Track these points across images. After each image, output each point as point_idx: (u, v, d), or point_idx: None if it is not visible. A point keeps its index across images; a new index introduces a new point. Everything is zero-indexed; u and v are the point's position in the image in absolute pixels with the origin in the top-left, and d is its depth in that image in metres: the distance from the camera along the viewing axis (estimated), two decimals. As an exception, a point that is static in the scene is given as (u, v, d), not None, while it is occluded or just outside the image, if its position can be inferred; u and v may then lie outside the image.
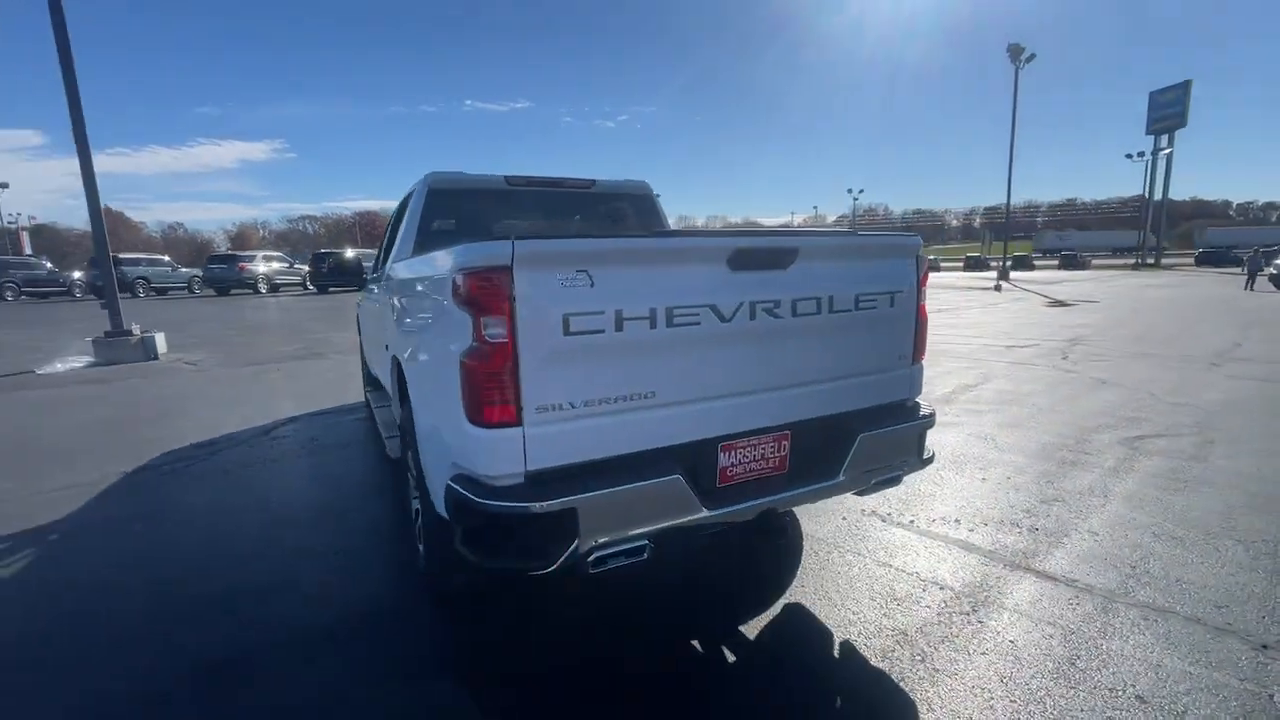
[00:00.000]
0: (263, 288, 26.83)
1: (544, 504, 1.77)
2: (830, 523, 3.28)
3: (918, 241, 2.51)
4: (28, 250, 46.03)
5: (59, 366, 8.98)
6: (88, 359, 9.40)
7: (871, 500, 3.57)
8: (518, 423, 1.78)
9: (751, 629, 2.42)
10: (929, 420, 2.55)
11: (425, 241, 3.51)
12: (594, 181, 4.02)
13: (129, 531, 3.40)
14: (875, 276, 2.39)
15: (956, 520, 3.29)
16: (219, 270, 26.55)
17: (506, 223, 3.74)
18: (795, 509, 3.34)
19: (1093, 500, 3.50)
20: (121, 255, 25.89)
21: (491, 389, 1.75)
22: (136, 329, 9.78)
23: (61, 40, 8.64)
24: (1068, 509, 3.39)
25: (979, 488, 3.75)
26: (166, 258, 29.98)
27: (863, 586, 2.68)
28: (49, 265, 28.39)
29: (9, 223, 61.05)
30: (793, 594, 2.65)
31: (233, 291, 26.60)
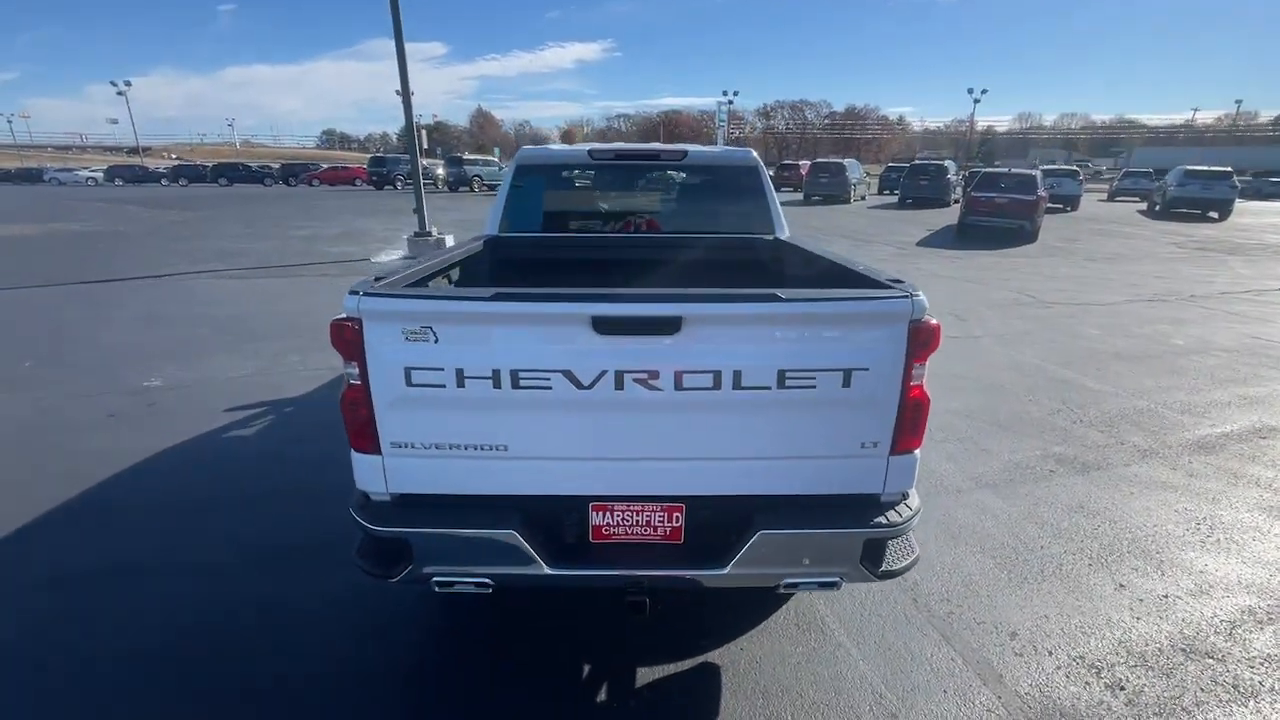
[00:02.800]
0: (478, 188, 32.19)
1: (379, 529, 2.02)
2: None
3: (905, 306, 1.88)
4: (426, 145, 59.74)
5: (383, 257, 12.07)
6: (402, 252, 12.40)
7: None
8: (378, 452, 2.01)
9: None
10: (887, 529, 2.02)
11: (511, 215, 3.78)
12: (686, 152, 3.71)
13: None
14: (819, 351, 1.89)
15: (1019, 632, 2.58)
16: (455, 171, 32.51)
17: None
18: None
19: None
20: (464, 156, 32.43)
21: (354, 421, 1.99)
22: (434, 230, 12.45)
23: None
24: None
25: (1105, 596, 2.81)
26: (495, 157, 36.36)
27: None
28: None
29: (417, 120, 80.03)
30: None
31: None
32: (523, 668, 2.44)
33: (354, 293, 1.86)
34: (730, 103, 59.34)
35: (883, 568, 2.08)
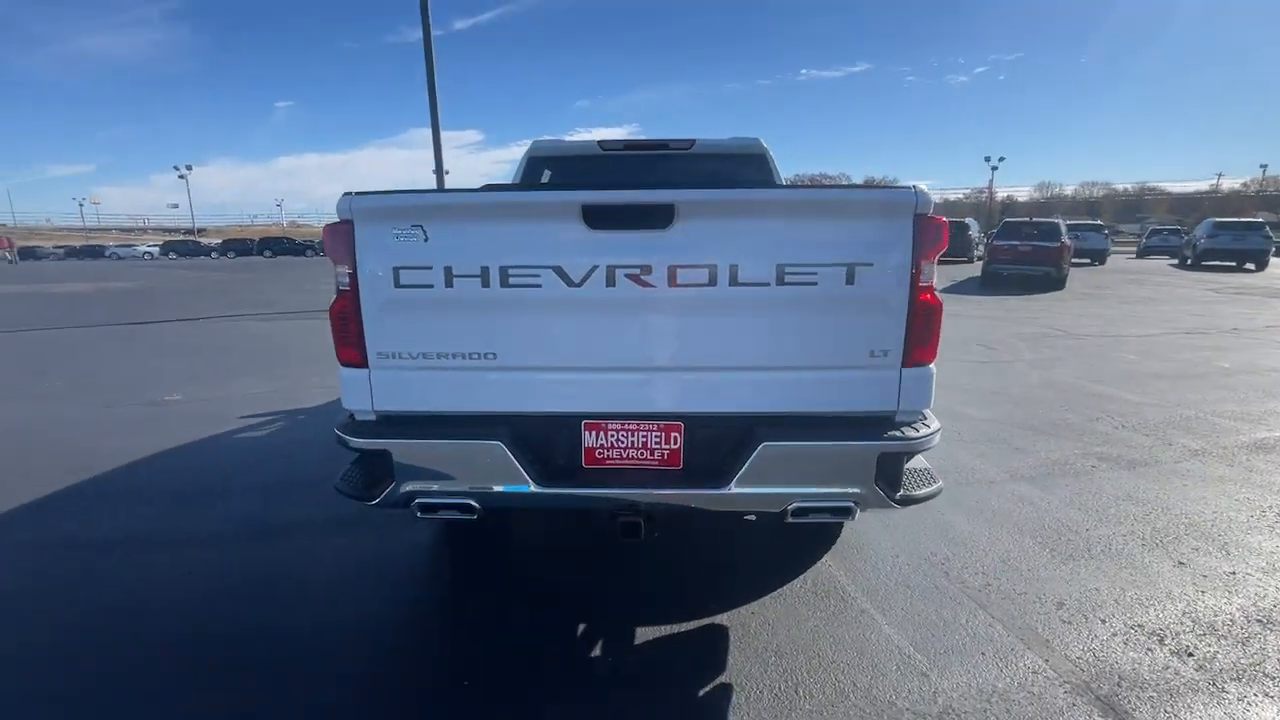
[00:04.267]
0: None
1: (361, 440, 1.92)
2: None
3: (909, 196, 1.80)
4: None
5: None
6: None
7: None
8: (364, 364, 1.95)
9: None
10: (903, 442, 1.85)
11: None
12: (694, 141, 3.77)
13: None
14: (820, 243, 1.81)
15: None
16: None
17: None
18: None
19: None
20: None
21: (342, 331, 1.94)
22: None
23: (429, 72, 11.52)
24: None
25: None
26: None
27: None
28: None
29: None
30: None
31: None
32: (521, 632, 2.25)
33: (346, 194, 1.86)
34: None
35: (901, 491, 1.90)
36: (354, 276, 1.88)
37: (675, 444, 1.96)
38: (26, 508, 3.22)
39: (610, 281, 1.81)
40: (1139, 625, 2.20)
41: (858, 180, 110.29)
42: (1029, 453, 3.93)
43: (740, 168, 3.78)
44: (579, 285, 1.82)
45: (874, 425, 1.89)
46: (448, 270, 1.84)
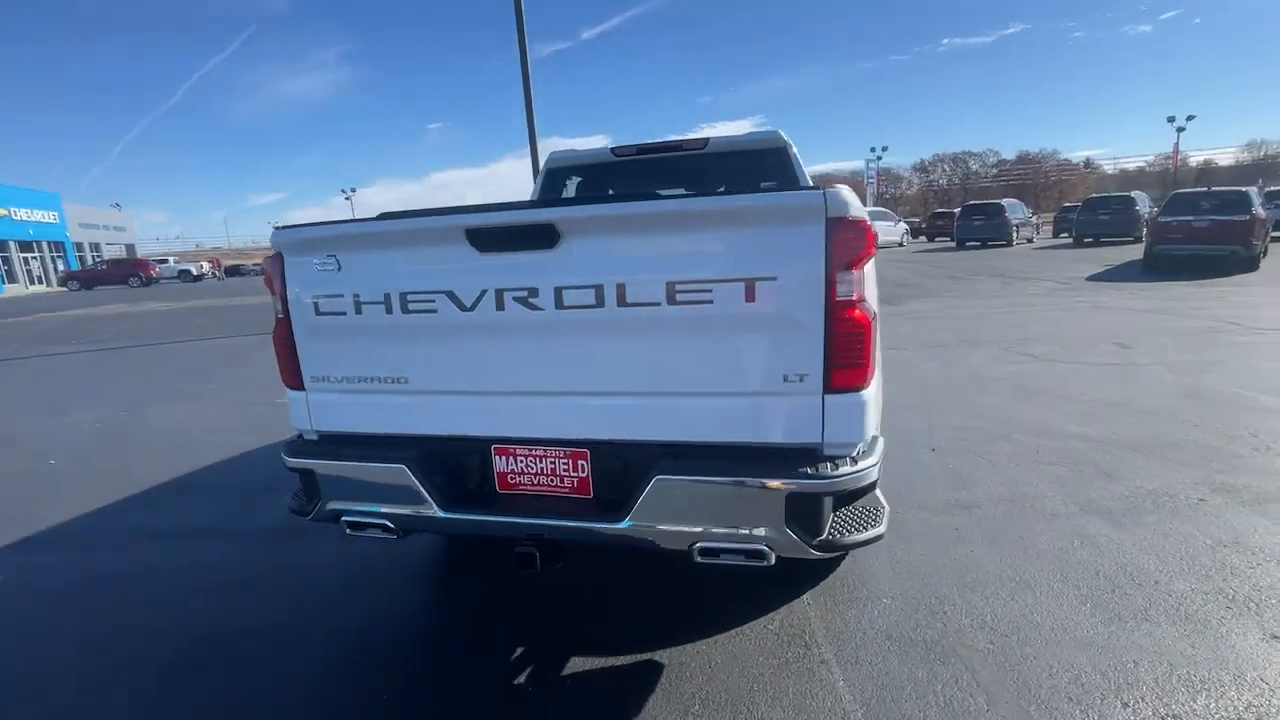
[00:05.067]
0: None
1: (293, 460, 2.03)
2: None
3: (817, 199, 1.54)
4: None
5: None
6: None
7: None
8: (302, 387, 2.07)
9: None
10: (817, 481, 1.60)
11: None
12: (707, 140, 3.58)
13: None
14: (715, 257, 1.62)
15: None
16: None
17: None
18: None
19: None
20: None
21: (281, 355, 2.08)
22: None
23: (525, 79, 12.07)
24: None
25: None
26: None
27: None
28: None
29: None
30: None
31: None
32: (447, 645, 2.27)
33: (276, 228, 1.98)
34: (879, 159, 57.49)
35: (822, 536, 1.66)
36: (285, 305, 2.00)
37: (584, 472, 1.86)
38: (134, 496, 3.82)
39: (500, 305, 1.76)
40: (1176, 715, 1.74)
41: (1008, 158, 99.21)
42: (1119, 479, 3.28)
43: (756, 164, 3.53)
44: (471, 310, 1.79)
45: (789, 460, 1.67)
46: (356, 298, 1.89)
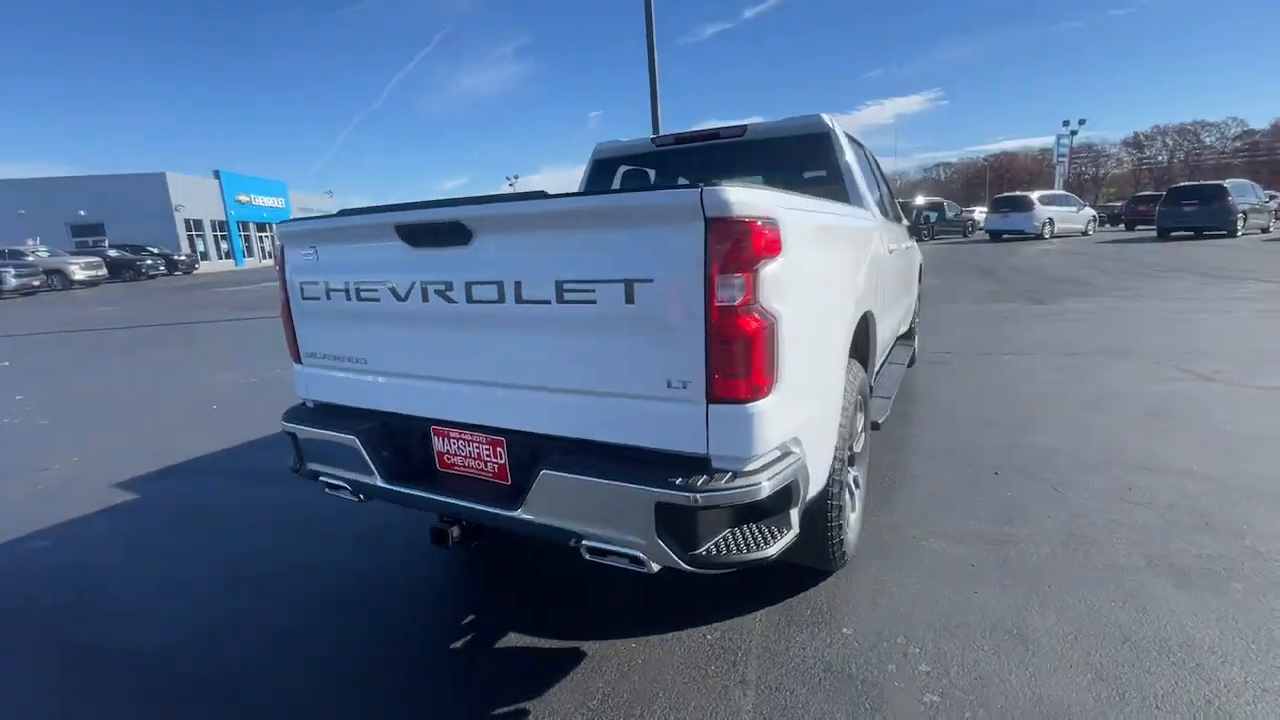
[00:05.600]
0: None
1: (283, 423, 2.33)
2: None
3: (693, 199, 1.44)
4: None
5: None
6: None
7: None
8: (300, 360, 2.37)
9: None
10: (685, 493, 1.51)
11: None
12: (746, 127, 3.40)
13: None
14: (600, 256, 1.59)
15: None
16: None
17: None
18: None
19: None
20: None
21: (286, 334, 2.39)
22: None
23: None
24: None
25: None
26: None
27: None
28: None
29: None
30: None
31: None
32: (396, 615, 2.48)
33: (279, 223, 2.27)
34: (1073, 133, 49.61)
35: (695, 550, 1.58)
36: (285, 289, 2.30)
37: (501, 459, 1.94)
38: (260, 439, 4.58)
39: (425, 297, 1.89)
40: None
41: (1258, 128, 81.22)
42: (1219, 533, 2.66)
43: (796, 151, 3.31)
44: (405, 300, 1.94)
45: (673, 468, 1.60)
46: (327, 285, 2.13)
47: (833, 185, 3.21)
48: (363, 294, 2.04)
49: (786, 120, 3.36)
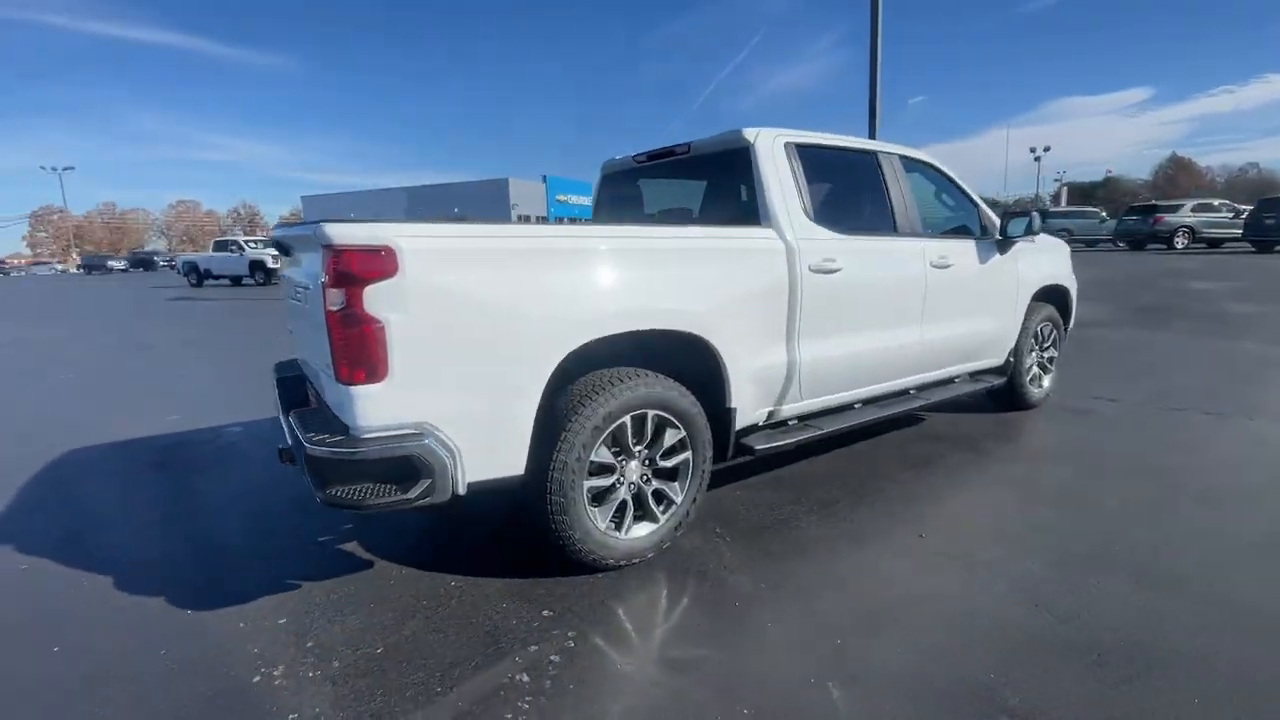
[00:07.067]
0: (1180, 242, 23.12)
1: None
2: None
3: (314, 231, 2.02)
4: (1064, 203, 47.63)
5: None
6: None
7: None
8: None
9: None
10: (313, 447, 2.10)
11: (598, 221, 4.42)
12: (690, 145, 3.46)
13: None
14: (311, 271, 2.32)
15: None
16: (1131, 223, 24.62)
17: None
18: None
19: None
20: (1051, 209, 28.16)
21: (296, 314, 3.58)
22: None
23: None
24: None
25: None
26: (1101, 210, 29.69)
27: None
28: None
29: (1056, 178, 65.87)
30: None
31: (1147, 246, 24.18)
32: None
33: (274, 226, 3.51)
34: None
35: (326, 491, 2.08)
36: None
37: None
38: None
39: (296, 297, 2.79)
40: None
41: None
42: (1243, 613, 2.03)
43: (726, 167, 3.33)
44: (298, 300, 2.85)
45: (341, 431, 2.18)
46: (289, 281, 3.19)
47: (752, 199, 3.16)
48: (288, 292, 3.08)
49: (712, 137, 3.33)
